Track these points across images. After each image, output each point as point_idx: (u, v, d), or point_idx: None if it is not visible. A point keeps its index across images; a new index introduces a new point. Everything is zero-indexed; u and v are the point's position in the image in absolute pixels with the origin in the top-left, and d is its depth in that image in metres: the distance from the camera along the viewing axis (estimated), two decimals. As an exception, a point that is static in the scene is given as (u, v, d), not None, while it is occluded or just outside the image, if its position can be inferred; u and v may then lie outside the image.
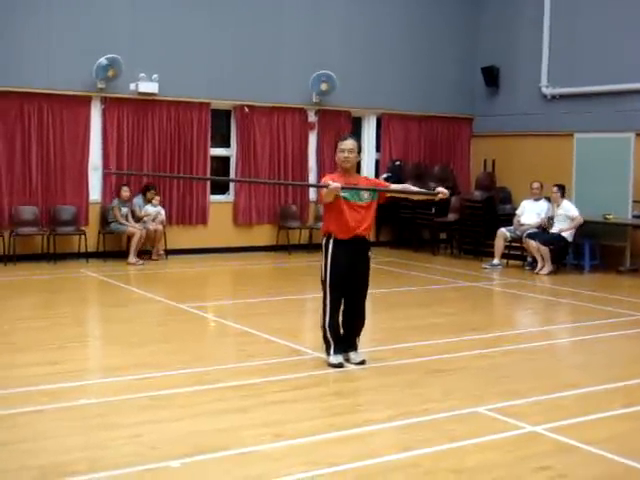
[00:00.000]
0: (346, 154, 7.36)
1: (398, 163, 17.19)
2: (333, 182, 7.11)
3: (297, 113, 16.25)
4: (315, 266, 14.34)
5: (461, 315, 10.33)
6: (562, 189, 14.06)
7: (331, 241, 7.38)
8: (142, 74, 14.41)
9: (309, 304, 11.12)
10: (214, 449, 5.26)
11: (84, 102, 14.21)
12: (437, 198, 7.61)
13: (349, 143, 7.39)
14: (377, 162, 17.47)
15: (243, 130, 15.73)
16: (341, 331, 7.46)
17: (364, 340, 7.71)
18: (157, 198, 14.53)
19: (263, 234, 16.05)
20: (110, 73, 13.94)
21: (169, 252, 14.77)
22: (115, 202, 14.20)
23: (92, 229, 14.35)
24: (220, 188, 15.92)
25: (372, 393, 6.81)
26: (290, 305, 10.82)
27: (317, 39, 16.19)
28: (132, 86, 14.40)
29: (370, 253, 7.53)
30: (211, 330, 9.65)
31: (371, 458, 5.18)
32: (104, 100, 14.39)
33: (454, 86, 17.80)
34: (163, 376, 6.99)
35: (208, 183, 15.40)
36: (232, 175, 15.79)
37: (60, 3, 13.80)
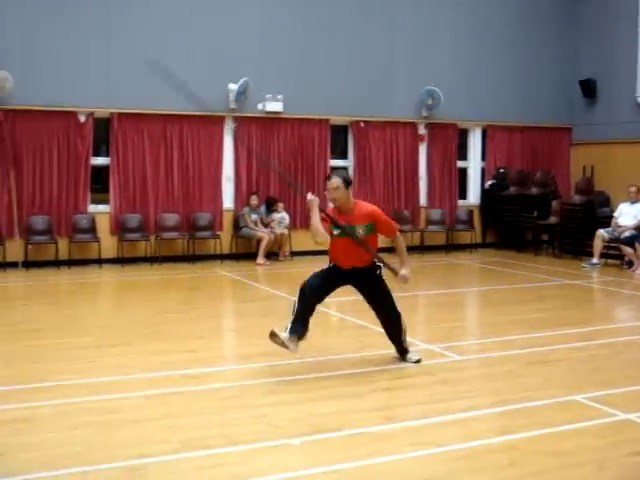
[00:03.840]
0: (332, 194, 6.78)
1: (502, 170, 16.96)
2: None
3: (408, 127, 16.23)
4: (428, 266, 14.42)
5: (560, 311, 10.12)
6: None
7: (332, 264, 6.98)
8: (268, 95, 14.72)
9: (420, 300, 11.12)
10: (330, 430, 5.35)
11: (218, 121, 14.61)
12: (396, 278, 7.02)
13: (333, 182, 6.75)
14: (483, 170, 17.29)
15: (359, 143, 15.83)
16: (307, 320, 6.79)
17: (473, 333, 7.60)
18: (280, 205, 14.78)
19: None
20: (242, 96, 14.30)
21: (294, 254, 14.99)
22: (246, 209, 14.52)
23: (226, 233, 14.73)
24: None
25: (476, 382, 6.76)
26: (402, 301, 10.78)
27: (427, 56, 16.16)
28: (260, 106, 14.71)
29: (379, 272, 6.94)
30: (332, 323, 9.73)
31: (473, 440, 5.17)
32: (235, 119, 14.75)
33: (554, 98, 17.46)
34: (287, 364, 7.10)
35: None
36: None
37: (198, 33, 14.27)
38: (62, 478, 4.59)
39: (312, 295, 6.77)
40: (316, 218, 6.75)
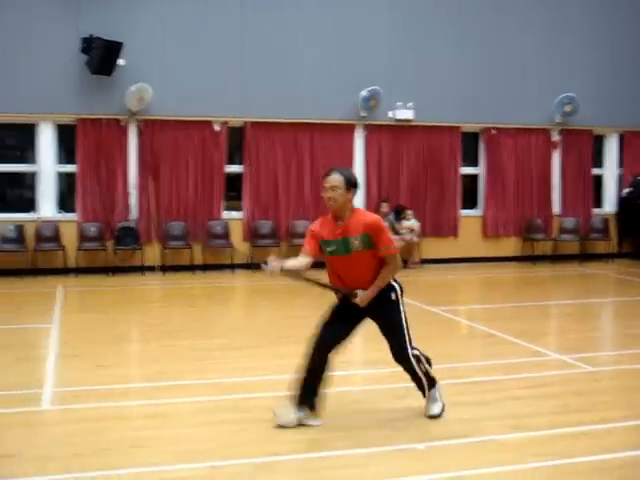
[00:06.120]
0: (328, 193, 5.43)
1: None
2: (270, 262, 5.45)
3: (541, 134, 15.91)
4: (560, 276, 14.08)
5: (702, 323, 9.68)
6: None
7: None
8: (399, 103, 14.76)
9: (552, 310, 10.89)
10: (456, 436, 5.32)
11: (348, 129, 14.76)
12: (352, 299, 5.69)
13: (331, 179, 5.43)
14: (619, 177, 16.72)
15: (490, 150, 15.64)
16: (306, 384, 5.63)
17: (606, 344, 7.37)
18: (410, 212, 14.76)
19: (509, 245, 15.84)
20: (372, 103, 14.43)
21: (424, 261, 14.95)
22: (375, 217, 14.56)
23: (355, 241, 14.81)
24: (470, 202, 15.93)
25: (610, 394, 6.55)
26: (534, 311, 10.62)
27: (561, 62, 15.79)
28: (390, 114, 14.79)
29: (392, 294, 5.64)
30: (460, 331, 9.66)
31: (603, 453, 5.02)
32: (366, 127, 14.86)
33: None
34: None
35: (459, 197, 15.43)
36: (481, 191, 15.77)
37: (330, 43, 14.51)
38: (193, 471, 4.76)
39: (327, 348, 5.69)
40: (288, 265, 5.56)
